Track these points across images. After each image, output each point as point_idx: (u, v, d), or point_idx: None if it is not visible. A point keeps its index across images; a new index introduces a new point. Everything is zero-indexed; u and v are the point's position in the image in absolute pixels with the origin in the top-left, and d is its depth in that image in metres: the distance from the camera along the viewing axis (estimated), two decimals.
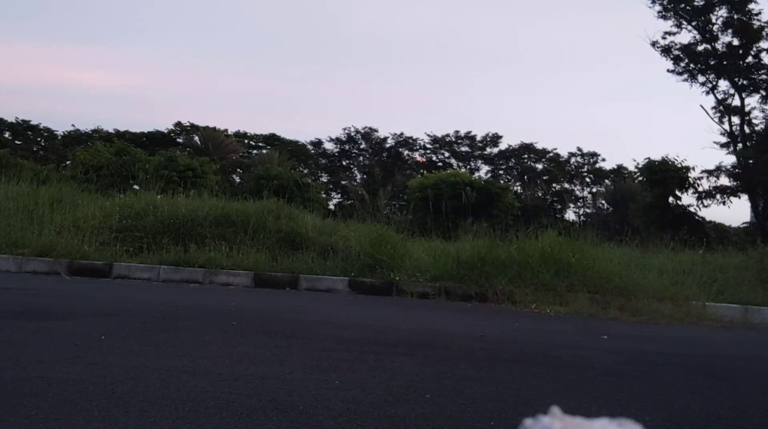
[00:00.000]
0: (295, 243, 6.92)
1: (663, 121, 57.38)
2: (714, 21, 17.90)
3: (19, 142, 34.44)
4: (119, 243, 6.51)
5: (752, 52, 17.89)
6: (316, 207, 11.22)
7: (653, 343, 3.76)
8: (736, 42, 17.84)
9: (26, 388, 1.71)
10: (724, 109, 18.53)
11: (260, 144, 37.88)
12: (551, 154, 40.76)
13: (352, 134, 38.58)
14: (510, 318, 4.82)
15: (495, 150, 40.40)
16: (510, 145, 41.71)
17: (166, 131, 35.43)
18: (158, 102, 58.12)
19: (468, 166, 39.34)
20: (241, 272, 6.05)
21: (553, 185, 39.76)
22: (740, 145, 17.96)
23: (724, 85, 18.56)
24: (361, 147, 36.88)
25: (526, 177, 40.95)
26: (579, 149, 40.36)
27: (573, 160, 40.92)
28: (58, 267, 5.88)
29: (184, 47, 60.70)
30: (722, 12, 17.69)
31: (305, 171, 33.51)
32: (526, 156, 41.80)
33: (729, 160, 20.02)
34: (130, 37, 58.44)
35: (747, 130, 18.04)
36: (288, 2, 62.27)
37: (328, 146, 38.21)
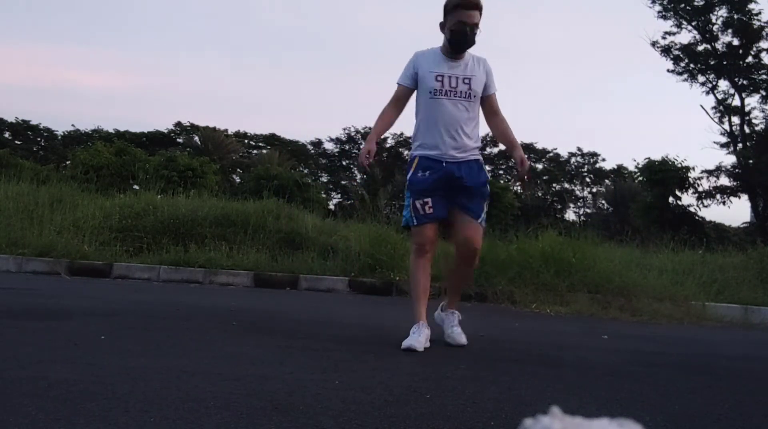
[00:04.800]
0: (295, 243, 6.92)
1: (663, 121, 57.36)
2: (714, 21, 17.90)
3: (19, 142, 34.42)
4: (119, 243, 6.52)
5: (752, 52, 17.90)
6: (316, 207, 11.20)
7: (653, 343, 3.76)
8: (736, 42, 17.85)
9: (26, 388, 1.71)
10: (724, 109, 18.54)
11: (260, 144, 37.84)
12: (551, 154, 40.68)
13: (352, 134, 38.54)
14: (510, 318, 4.82)
15: (495, 150, 40.27)
16: None
17: (166, 131, 35.39)
18: (158, 102, 58.08)
19: None
20: (241, 272, 6.06)
21: (553, 185, 39.71)
22: (740, 145, 17.96)
23: (724, 85, 18.58)
24: (362, 147, 37.27)
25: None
26: (579, 149, 40.28)
27: (573, 160, 40.86)
28: (58, 267, 5.89)
29: (184, 47, 60.63)
30: (722, 12, 17.70)
31: (305, 171, 33.49)
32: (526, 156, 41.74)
33: (729, 160, 20.04)
34: (130, 37, 58.36)
35: (747, 130, 18.05)
36: (288, 2, 62.18)
37: (328, 146, 38.04)
